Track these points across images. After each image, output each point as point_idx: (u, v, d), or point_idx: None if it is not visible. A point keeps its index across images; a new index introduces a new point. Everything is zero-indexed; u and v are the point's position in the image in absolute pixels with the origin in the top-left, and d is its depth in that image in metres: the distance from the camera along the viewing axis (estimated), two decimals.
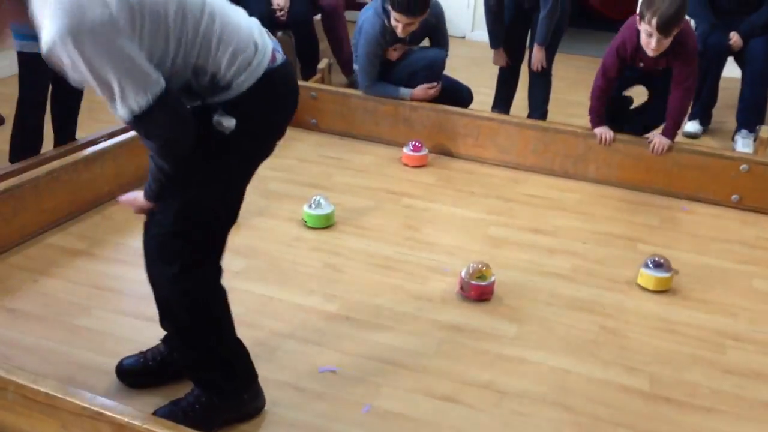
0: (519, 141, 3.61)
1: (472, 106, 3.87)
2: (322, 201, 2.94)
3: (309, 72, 4.31)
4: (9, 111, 3.75)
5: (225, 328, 1.84)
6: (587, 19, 6.16)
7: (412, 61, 3.73)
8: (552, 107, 4.02)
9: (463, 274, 2.54)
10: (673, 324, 2.46)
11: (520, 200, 3.31)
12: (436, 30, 3.77)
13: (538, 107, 3.91)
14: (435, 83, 3.69)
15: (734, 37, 3.87)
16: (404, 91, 3.66)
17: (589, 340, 2.35)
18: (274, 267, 2.67)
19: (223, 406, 1.86)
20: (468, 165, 3.65)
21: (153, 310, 2.32)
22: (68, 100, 3.16)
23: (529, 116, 3.89)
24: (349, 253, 2.78)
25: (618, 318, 2.47)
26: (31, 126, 3.05)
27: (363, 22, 3.72)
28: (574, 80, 5.02)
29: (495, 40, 3.86)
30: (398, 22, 3.50)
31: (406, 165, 3.60)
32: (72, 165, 2.82)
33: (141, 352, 2.03)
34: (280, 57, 1.69)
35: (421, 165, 3.60)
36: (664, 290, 2.62)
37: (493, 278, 2.55)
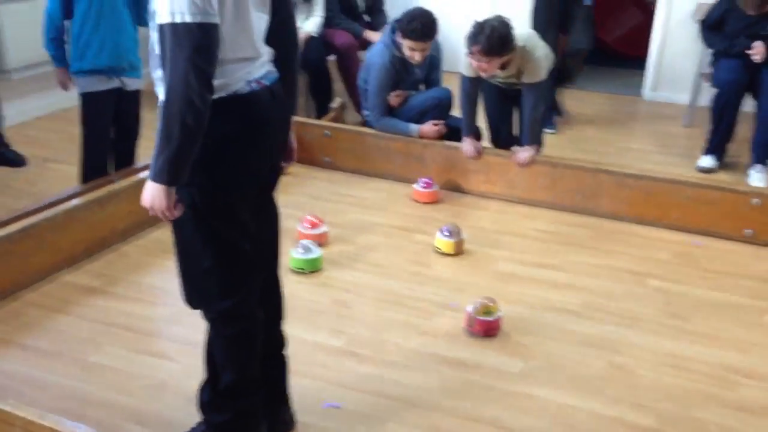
0: (529, 177, 3.63)
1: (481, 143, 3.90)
2: (310, 245, 2.96)
3: (323, 111, 4.39)
4: (39, 150, 3.88)
5: (248, 368, 1.84)
6: (603, 57, 6.20)
7: (419, 101, 3.82)
8: (566, 142, 4.05)
9: (469, 309, 2.55)
10: (684, 360, 2.44)
11: (530, 235, 3.32)
12: (434, 63, 3.87)
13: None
14: (442, 121, 3.74)
15: (758, 47, 3.88)
16: (413, 126, 3.72)
17: (597, 377, 2.34)
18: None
19: None
20: (479, 201, 3.67)
21: (163, 347, 2.37)
22: (127, 139, 3.29)
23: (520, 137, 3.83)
24: (357, 289, 2.81)
25: (627, 354, 2.46)
26: (99, 165, 3.21)
27: (371, 56, 3.83)
28: (590, 117, 5.05)
29: (467, 127, 3.64)
30: (414, 50, 3.65)
31: (417, 201, 3.63)
32: (88, 204, 2.89)
33: None
34: (254, 86, 1.65)
35: (432, 201, 3.63)
36: (456, 253, 3.05)
37: (499, 314, 2.55)
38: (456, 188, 3.76)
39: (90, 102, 3.12)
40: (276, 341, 1.97)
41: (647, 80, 5.55)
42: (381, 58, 3.76)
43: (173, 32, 1.46)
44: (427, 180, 3.65)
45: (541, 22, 4.32)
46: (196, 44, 1.46)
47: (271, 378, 1.97)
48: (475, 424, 2.10)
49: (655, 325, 2.64)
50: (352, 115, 4.48)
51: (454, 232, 3.10)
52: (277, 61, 1.75)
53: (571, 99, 5.10)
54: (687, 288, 2.89)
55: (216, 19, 1.49)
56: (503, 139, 3.82)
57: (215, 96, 1.57)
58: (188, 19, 1.45)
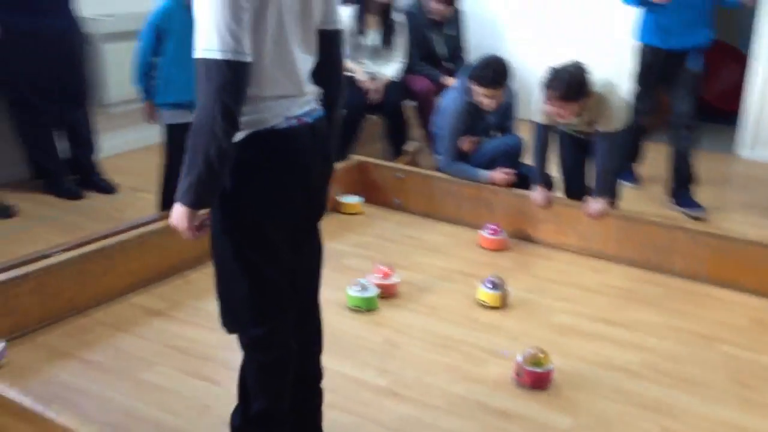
0: (601, 229, 3.54)
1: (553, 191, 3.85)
2: (366, 283, 2.98)
3: (398, 154, 4.45)
4: (129, 180, 4.11)
5: (278, 397, 1.87)
6: (702, 114, 6.02)
7: (490, 148, 3.82)
8: (652, 198, 3.92)
9: (519, 359, 2.49)
10: (746, 431, 2.29)
11: (597, 290, 3.23)
12: (508, 110, 3.87)
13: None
14: (513, 170, 3.71)
15: None
16: (483, 173, 3.71)
17: None
18: (335, 338, 2.68)
19: None
20: (548, 251, 3.61)
21: (212, 372, 2.43)
22: None
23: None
24: (410, 330, 2.80)
25: (684, 421, 2.34)
26: None
27: (445, 102, 3.88)
28: None
29: (538, 175, 3.60)
30: (486, 97, 3.68)
31: (483, 248, 3.60)
32: (161, 231, 3.02)
33: None
34: (293, 122, 1.69)
35: (498, 248, 3.60)
36: (501, 306, 2.96)
37: (550, 366, 2.48)
38: (525, 237, 3.71)
39: (173, 133, 3.30)
40: (312, 373, 2.00)
41: (745, 138, 5.33)
42: (454, 103, 3.80)
43: (205, 67, 1.54)
44: (494, 227, 3.62)
45: (641, 82, 4.19)
46: (224, 81, 1.52)
47: (304, 409, 1.99)
48: None
49: (719, 393, 2.49)
50: (427, 159, 4.52)
51: (498, 285, 3.01)
52: (322, 99, 1.81)
53: (658, 153, 4.96)
54: (762, 357, 2.73)
55: (247, 58, 1.55)
56: (576, 189, 3.76)
57: (252, 130, 1.64)
58: (219, 56, 1.52)
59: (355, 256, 3.47)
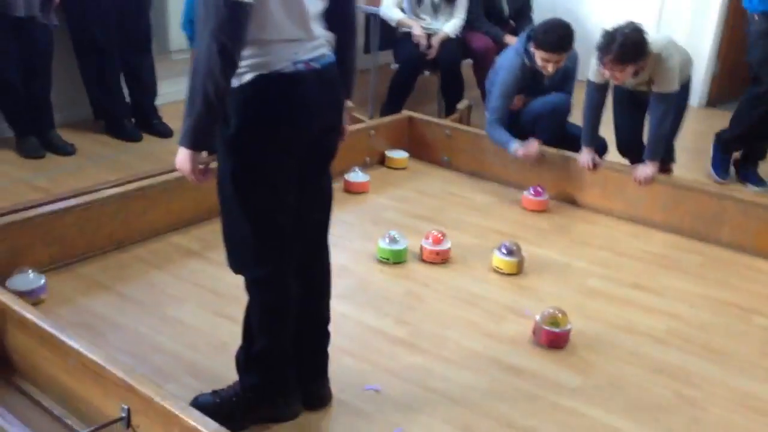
0: (647, 195, 3.44)
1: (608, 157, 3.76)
2: (396, 236, 2.98)
3: (450, 111, 4.42)
4: None
5: (279, 337, 1.94)
6: None
7: (536, 106, 3.71)
8: (705, 165, 3.77)
9: (537, 318, 2.48)
10: (766, 403, 2.23)
11: (634, 255, 3.16)
12: (568, 74, 3.74)
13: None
14: (536, 144, 3.59)
15: None
16: (514, 145, 3.57)
17: (659, 406, 2.20)
18: (360, 288, 2.78)
19: (257, 406, 1.97)
20: (590, 215, 3.54)
21: (235, 311, 2.51)
22: None
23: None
24: (435, 285, 2.82)
25: (702, 388, 2.29)
26: None
27: (501, 60, 3.78)
28: None
29: (587, 137, 3.52)
30: (547, 62, 3.53)
31: (525, 209, 3.56)
32: None
33: (214, 392, 2.01)
34: (300, 66, 1.69)
35: (540, 210, 3.55)
36: (517, 273, 2.88)
37: (569, 326, 2.46)
38: (569, 200, 3.65)
39: None
40: (318, 315, 2.05)
41: None
42: (510, 62, 3.70)
43: (204, 8, 1.57)
44: (537, 188, 3.57)
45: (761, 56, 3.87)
46: (221, 21, 1.54)
47: (310, 351, 2.04)
48: (508, 429, 2.06)
49: (745, 365, 2.42)
50: (479, 117, 4.46)
51: (513, 251, 2.91)
52: (335, 44, 1.82)
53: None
54: None
55: None
56: (630, 149, 3.65)
57: (258, 72, 1.66)
58: None
59: (394, 209, 3.50)
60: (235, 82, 1.66)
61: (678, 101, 3.44)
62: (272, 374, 1.95)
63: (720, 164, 4.09)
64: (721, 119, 5.17)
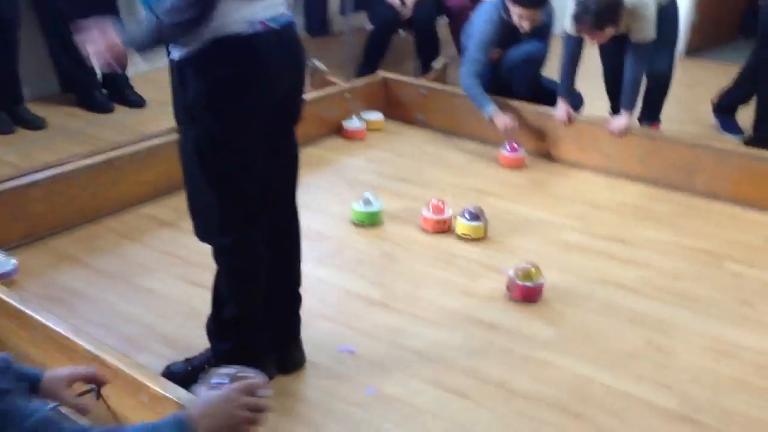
0: (623, 148, 3.44)
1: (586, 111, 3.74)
2: (371, 198, 2.96)
3: (427, 70, 4.38)
4: (161, 95, 4.15)
5: (249, 303, 1.93)
6: None
7: (512, 55, 3.68)
8: (687, 115, 3.75)
9: (510, 273, 2.49)
10: (733, 347, 2.26)
11: (610, 207, 3.16)
12: (544, 28, 3.69)
13: (650, 110, 3.67)
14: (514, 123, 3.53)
15: None
16: (489, 109, 3.52)
17: (628, 353, 2.22)
18: (335, 251, 2.77)
19: None
20: (566, 170, 3.53)
21: (206, 279, 2.49)
22: None
23: (640, 120, 3.68)
24: (410, 245, 2.82)
25: (671, 335, 2.31)
26: None
27: (480, 13, 3.72)
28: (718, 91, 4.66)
29: (564, 88, 3.50)
30: (523, 18, 3.50)
31: (502, 165, 3.55)
32: (171, 143, 3.08)
33: (187, 360, 2.03)
34: (258, 27, 1.66)
35: (516, 166, 3.54)
36: (482, 237, 2.81)
37: (542, 281, 2.47)
38: (545, 155, 3.64)
39: None
40: (289, 279, 2.04)
41: None
42: (488, 14, 3.64)
43: None
44: (513, 144, 3.56)
45: None
46: None
47: (282, 315, 2.05)
48: (480, 383, 2.07)
49: (716, 310, 2.45)
50: (455, 75, 4.42)
51: (477, 215, 2.84)
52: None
53: (707, 70, 4.75)
54: (767, 275, 2.65)
55: None
56: (618, 87, 3.59)
57: (213, 36, 1.62)
58: None
59: (370, 171, 3.48)
60: (190, 49, 1.64)
61: (671, 16, 3.44)
62: (244, 340, 1.95)
63: (732, 125, 3.99)
64: (702, 68, 5.18)
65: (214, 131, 1.72)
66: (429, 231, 2.89)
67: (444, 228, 2.89)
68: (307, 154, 3.61)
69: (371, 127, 3.94)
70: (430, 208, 2.92)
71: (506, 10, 3.55)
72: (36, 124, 3.81)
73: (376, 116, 3.98)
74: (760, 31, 3.72)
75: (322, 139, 3.77)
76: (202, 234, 1.89)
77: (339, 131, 3.84)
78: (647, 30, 3.26)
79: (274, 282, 1.98)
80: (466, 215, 2.84)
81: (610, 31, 3.20)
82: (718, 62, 5.38)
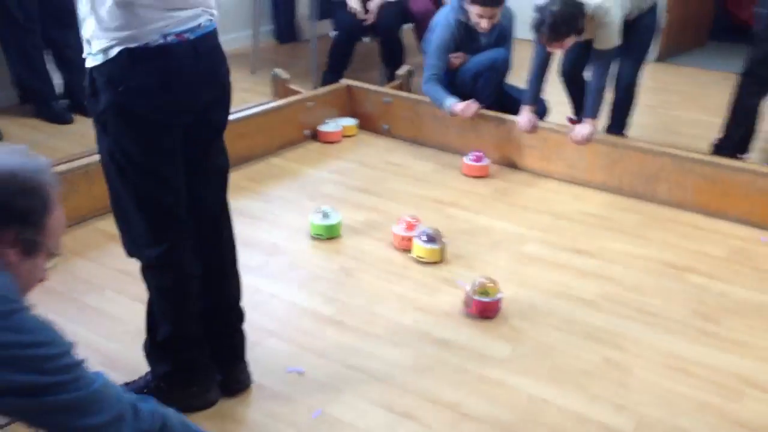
0: (587, 156, 3.40)
1: (550, 118, 3.71)
2: (328, 211, 2.90)
3: (393, 78, 4.32)
4: None
5: (182, 321, 1.87)
6: (733, 33, 5.69)
7: (474, 63, 3.65)
8: (657, 122, 3.71)
9: (467, 288, 2.43)
10: (692, 364, 2.21)
11: (574, 218, 3.12)
12: (504, 34, 3.67)
13: (617, 122, 3.65)
14: (477, 105, 3.51)
15: None
16: (449, 102, 3.50)
17: (585, 372, 2.17)
18: (291, 266, 2.70)
19: (170, 394, 1.89)
20: (531, 178, 3.49)
21: None
22: None
23: (608, 129, 3.65)
24: (368, 259, 2.76)
25: (629, 351, 2.26)
26: None
27: (437, 19, 3.70)
28: (692, 96, 4.66)
29: (529, 95, 3.45)
30: (481, 17, 3.49)
31: (465, 175, 3.50)
32: None
33: (126, 384, 1.94)
34: (171, 39, 1.61)
35: (480, 176, 3.49)
36: (439, 261, 2.70)
37: (499, 295, 2.42)
38: (510, 164, 3.60)
39: None
40: (226, 294, 1.97)
41: None
42: (446, 20, 3.62)
43: None
44: (477, 153, 3.51)
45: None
46: None
47: (222, 333, 1.98)
48: (431, 405, 2.01)
49: (675, 325, 2.40)
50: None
51: (434, 238, 2.71)
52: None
53: (679, 75, 4.71)
54: (731, 288, 2.61)
55: None
56: (573, 76, 3.63)
57: (124, 46, 1.57)
58: None
59: (332, 182, 3.42)
60: (101, 57, 1.59)
61: (648, 24, 3.42)
62: (181, 360, 1.89)
63: None
64: (673, 74, 5.17)
65: (126, 141, 1.67)
66: (398, 248, 2.80)
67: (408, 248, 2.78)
68: (268, 165, 3.58)
69: (344, 133, 3.88)
70: (403, 224, 2.82)
71: (464, 12, 3.53)
72: None
73: (349, 122, 3.93)
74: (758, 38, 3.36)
75: (284, 150, 3.71)
76: (129, 247, 1.83)
77: (299, 141, 3.78)
78: (608, 38, 3.23)
79: (209, 298, 1.91)
80: (423, 237, 2.71)
81: (570, 40, 3.18)
82: (688, 67, 5.38)
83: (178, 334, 1.85)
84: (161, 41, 1.60)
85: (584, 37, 3.26)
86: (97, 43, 1.60)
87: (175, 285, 1.81)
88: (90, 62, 1.63)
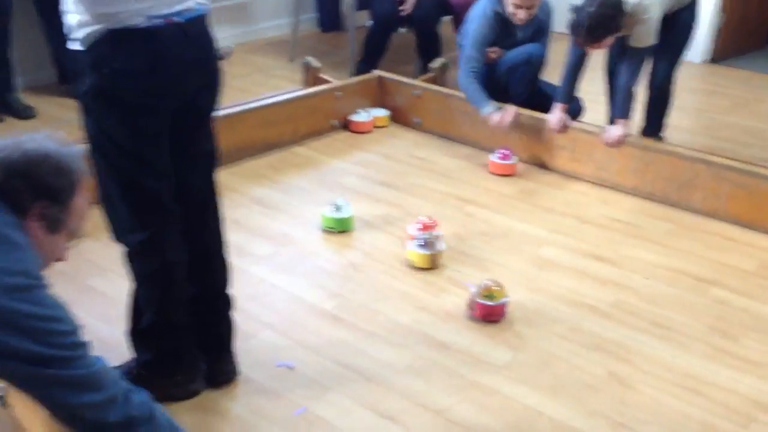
0: (618, 158, 3.26)
1: (586, 118, 3.57)
2: (341, 204, 2.84)
3: (426, 71, 4.23)
4: None
5: (166, 308, 1.84)
6: None
7: (510, 57, 3.54)
8: (700, 126, 3.52)
9: (472, 290, 2.35)
10: (703, 384, 2.09)
11: (598, 223, 2.99)
12: (542, 28, 3.55)
13: (652, 123, 3.49)
14: (513, 113, 3.39)
15: None
16: (486, 109, 3.40)
17: (587, 385, 2.07)
18: (297, 257, 2.67)
19: (152, 383, 1.87)
20: (559, 180, 3.37)
21: None
22: None
23: (643, 131, 3.49)
24: (378, 255, 2.70)
25: (637, 366, 2.15)
26: None
27: (474, 11, 3.59)
28: (744, 100, 4.44)
29: (563, 92, 3.32)
30: (519, 8, 3.40)
31: (491, 173, 3.41)
32: None
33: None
34: (158, 21, 1.58)
35: (507, 174, 3.39)
36: (431, 267, 2.56)
37: (505, 299, 2.33)
38: (539, 163, 3.48)
39: None
40: (213, 281, 1.94)
41: None
42: (482, 11, 3.52)
43: None
44: (504, 151, 3.41)
45: None
46: None
47: (209, 319, 1.95)
48: (419, 409, 1.95)
49: (690, 340, 2.27)
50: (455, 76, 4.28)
51: (429, 243, 2.57)
52: None
53: (727, 78, 4.49)
54: (755, 305, 2.46)
55: None
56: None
57: (109, 26, 1.54)
58: None
59: (355, 175, 3.36)
60: (86, 40, 1.57)
61: (686, 20, 3.26)
62: (164, 348, 1.87)
63: None
64: (725, 77, 4.95)
65: (111, 124, 1.65)
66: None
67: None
68: (291, 154, 3.55)
69: (375, 124, 3.83)
70: (420, 224, 2.69)
71: (501, 4, 3.43)
72: (25, 113, 3.77)
73: (380, 113, 3.88)
74: None
75: (309, 139, 3.67)
76: (115, 233, 1.81)
77: (326, 131, 3.73)
78: (644, 36, 3.08)
79: (196, 285, 1.89)
80: (419, 242, 2.58)
81: (609, 40, 3.05)
82: (743, 70, 5.12)
83: (161, 322, 1.83)
84: (147, 23, 1.57)
85: (623, 33, 3.12)
86: (81, 24, 1.58)
87: (158, 272, 1.79)
88: (75, 45, 1.61)
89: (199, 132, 1.81)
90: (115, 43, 1.56)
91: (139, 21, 1.57)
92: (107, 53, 1.57)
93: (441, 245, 2.61)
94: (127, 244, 1.80)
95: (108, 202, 1.77)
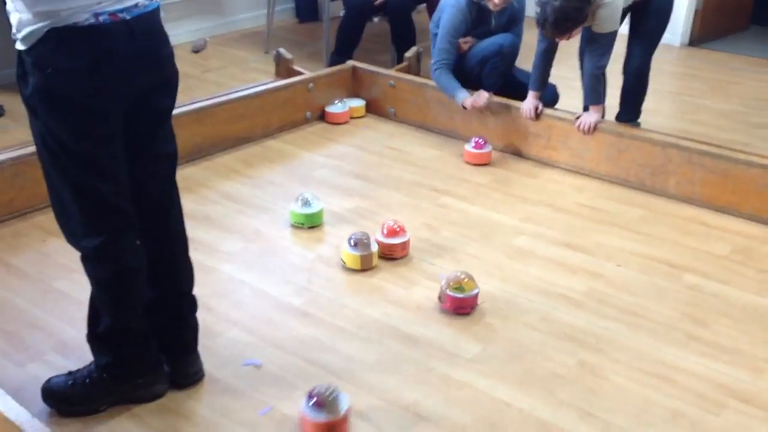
0: (593, 145, 3.24)
1: (559, 105, 3.55)
2: (309, 199, 2.81)
3: (401, 60, 4.20)
4: None
5: (124, 311, 1.81)
6: None
7: (482, 47, 3.50)
8: (677, 110, 3.50)
9: (442, 282, 2.33)
10: (674, 371, 2.07)
11: (572, 210, 2.98)
12: (516, 17, 3.51)
13: (627, 109, 3.46)
14: (486, 97, 3.37)
15: None
16: (461, 94, 3.38)
17: (556, 375, 2.05)
18: (267, 253, 2.63)
19: (113, 386, 1.85)
20: (534, 168, 3.35)
21: None
22: None
23: (617, 117, 3.46)
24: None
25: (607, 355, 2.13)
26: None
27: (446, 0, 3.55)
28: (721, 83, 4.43)
29: (536, 81, 3.29)
30: None
31: (467, 162, 3.38)
32: None
33: (69, 372, 1.90)
34: (104, 18, 1.54)
35: (482, 163, 3.36)
36: (363, 269, 2.49)
37: (474, 291, 2.31)
38: (515, 152, 3.46)
39: None
40: (174, 288, 1.90)
41: None
42: (457, 2, 3.48)
43: None
44: (479, 140, 3.38)
45: None
46: None
47: (171, 322, 1.91)
48: (388, 405, 1.92)
49: (662, 327, 2.26)
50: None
51: (360, 243, 2.50)
52: None
53: (712, 62, 4.48)
54: (728, 290, 2.45)
55: None
56: None
57: (51, 24, 1.50)
58: None
59: (328, 167, 3.33)
60: (28, 39, 1.52)
61: (661, 4, 3.21)
62: (124, 351, 1.83)
63: None
64: (702, 59, 4.93)
65: (53, 128, 1.59)
66: (385, 255, 2.60)
67: (403, 253, 2.61)
68: (264, 147, 3.51)
69: (351, 114, 3.80)
70: (385, 230, 2.61)
71: None
72: None
73: (357, 103, 3.84)
74: None
75: (283, 132, 3.63)
76: (68, 237, 1.76)
77: (300, 124, 3.70)
78: (606, 22, 3.03)
79: (159, 288, 1.85)
80: (350, 242, 2.52)
81: (577, 31, 3.01)
82: (722, 52, 5.12)
83: (118, 327, 1.79)
84: (92, 21, 1.52)
85: (588, 23, 3.08)
86: (22, 24, 1.53)
87: (114, 277, 1.75)
88: (18, 45, 1.56)
89: (157, 133, 1.76)
90: (59, 42, 1.52)
91: (83, 18, 1.52)
92: (49, 53, 1.52)
93: (373, 246, 2.54)
94: (81, 249, 1.75)
95: (59, 206, 1.72)
